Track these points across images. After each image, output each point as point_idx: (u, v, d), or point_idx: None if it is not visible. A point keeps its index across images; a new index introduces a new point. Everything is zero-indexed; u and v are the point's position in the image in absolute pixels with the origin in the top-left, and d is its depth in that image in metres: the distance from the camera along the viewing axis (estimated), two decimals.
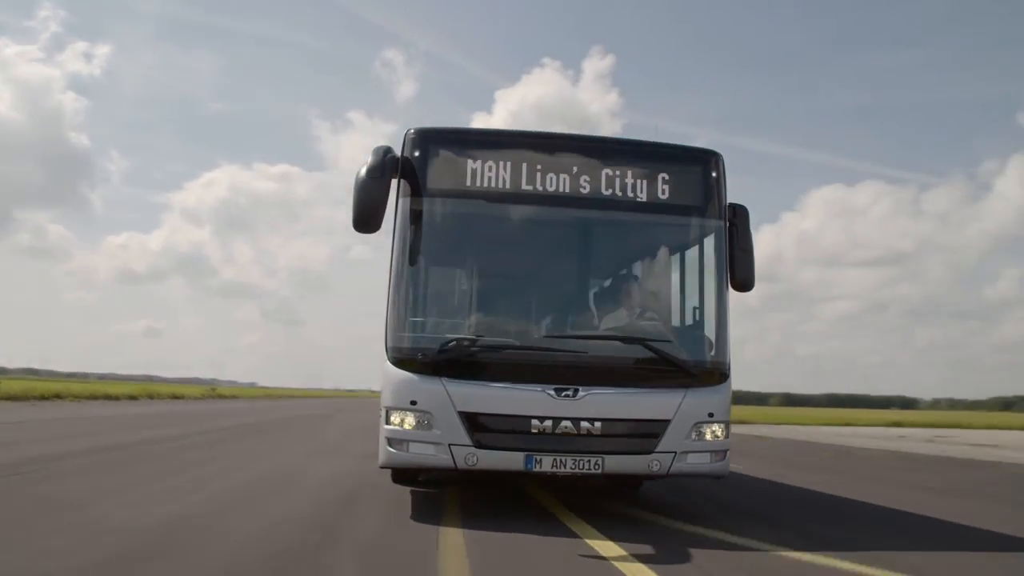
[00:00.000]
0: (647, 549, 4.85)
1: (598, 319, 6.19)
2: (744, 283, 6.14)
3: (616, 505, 6.88)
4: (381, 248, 7.32)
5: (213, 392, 49.64)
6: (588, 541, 5.07)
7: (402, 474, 7.35)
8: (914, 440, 24.27)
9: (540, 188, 5.93)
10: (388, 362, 5.74)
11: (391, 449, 5.66)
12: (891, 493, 8.76)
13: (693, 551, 4.84)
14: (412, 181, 5.95)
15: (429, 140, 6.00)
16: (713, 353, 5.97)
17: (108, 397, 29.98)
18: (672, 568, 4.41)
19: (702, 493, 7.97)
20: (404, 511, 6.11)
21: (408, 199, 5.93)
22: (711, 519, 6.30)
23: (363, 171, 5.66)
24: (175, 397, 37.47)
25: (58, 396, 26.16)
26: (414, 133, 6.05)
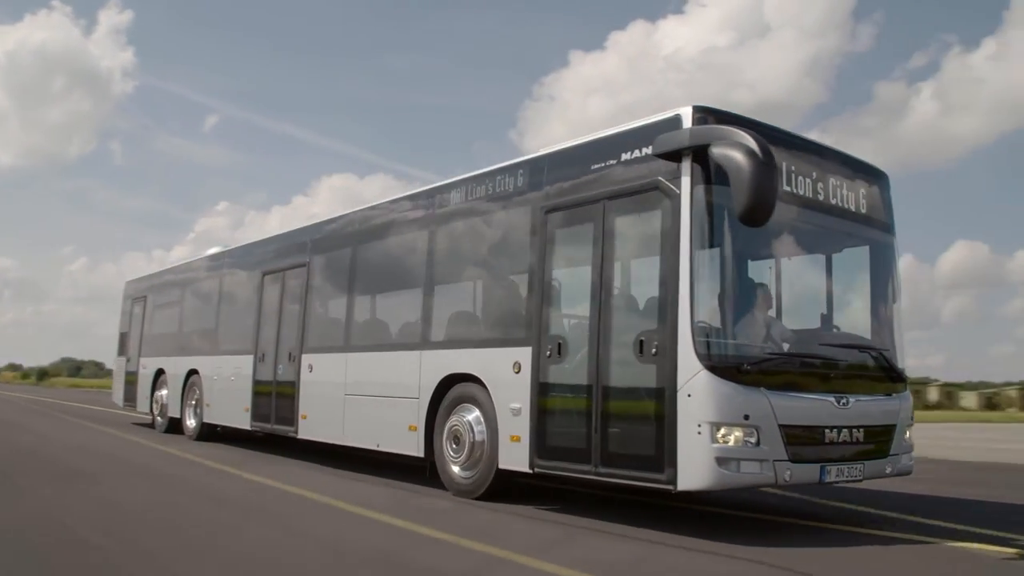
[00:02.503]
0: None
1: (855, 328, 6.25)
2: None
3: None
4: None
5: None
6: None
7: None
8: None
9: (804, 193, 5.80)
10: (705, 371, 5.08)
11: (723, 470, 5.03)
12: None
13: None
14: (706, 167, 5.32)
15: (724, 123, 5.44)
16: (906, 361, 6.44)
17: None
18: None
19: None
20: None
21: (703, 187, 5.30)
22: None
23: (748, 157, 4.91)
24: None
25: None
26: (706, 114, 5.42)
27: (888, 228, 6.48)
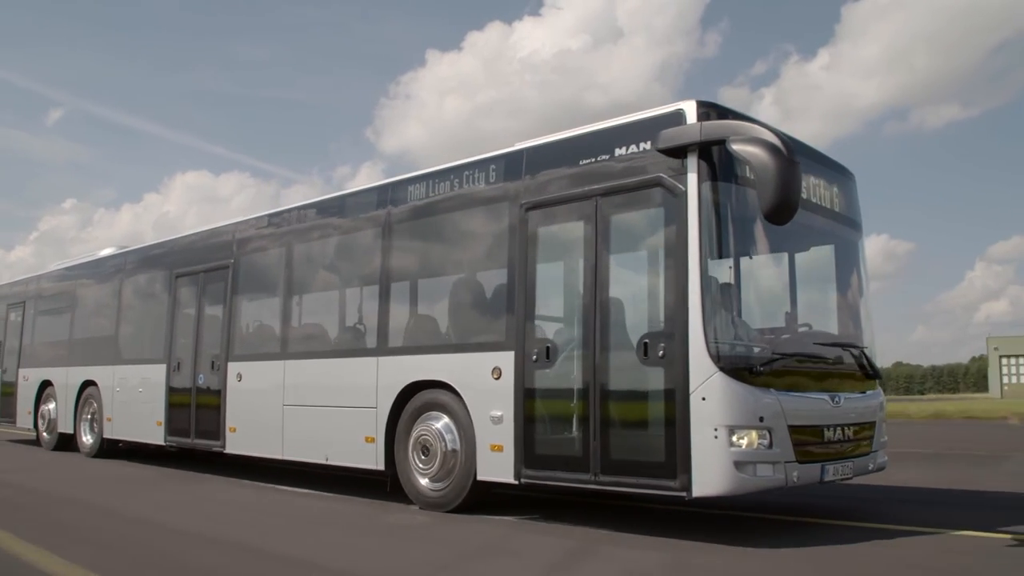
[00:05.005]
0: None
1: (834, 326, 6.23)
2: None
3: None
4: None
5: None
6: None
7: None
8: None
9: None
10: (719, 373, 4.92)
11: (741, 474, 4.89)
12: None
13: None
14: (711, 164, 5.17)
15: (725, 119, 5.31)
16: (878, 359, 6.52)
17: None
18: None
19: None
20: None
21: (710, 184, 5.15)
22: None
23: (773, 153, 4.75)
24: None
25: None
26: (709, 108, 5.27)
27: (858, 226, 6.53)
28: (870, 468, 5.99)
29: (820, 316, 6.33)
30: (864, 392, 6.11)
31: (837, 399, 5.61)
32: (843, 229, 6.32)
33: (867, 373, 6.17)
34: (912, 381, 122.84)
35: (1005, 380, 73.45)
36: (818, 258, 6.39)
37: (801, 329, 6.07)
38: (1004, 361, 73.85)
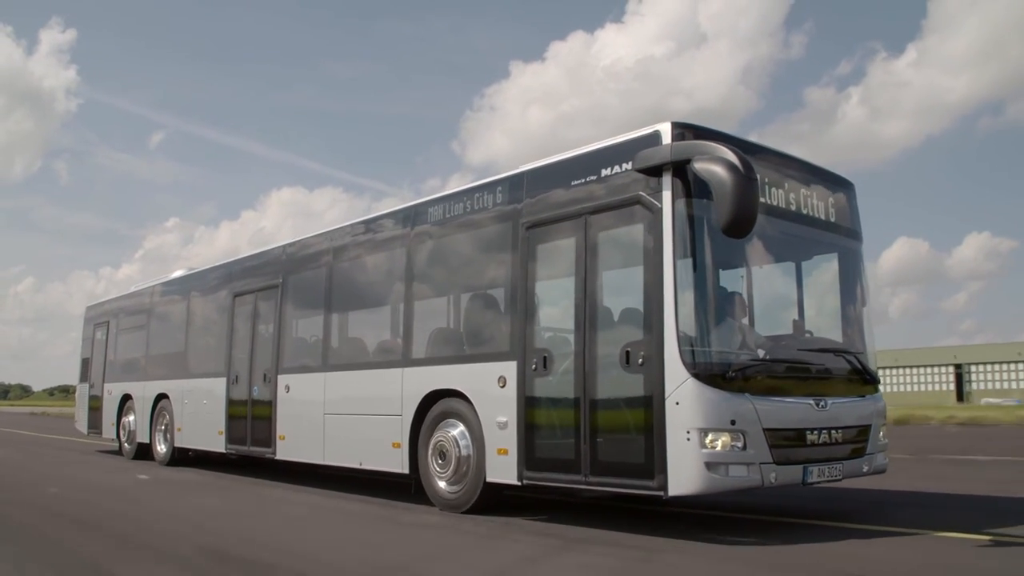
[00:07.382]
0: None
1: (828, 332, 6.44)
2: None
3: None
4: None
5: None
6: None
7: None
8: None
9: (779, 203, 5.99)
10: (692, 379, 5.22)
11: (712, 475, 5.18)
12: None
13: None
14: (686, 181, 5.49)
15: (701, 138, 5.62)
16: (876, 364, 6.67)
17: None
18: None
19: None
20: None
21: (684, 201, 5.47)
22: None
23: (730, 171, 5.07)
24: None
25: None
26: (684, 129, 5.59)
27: (855, 235, 6.71)
28: (864, 470, 6.15)
29: (810, 323, 6.53)
30: (862, 396, 6.28)
31: (823, 403, 5.80)
32: (836, 238, 6.51)
33: (864, 378, 6.34)
34: None
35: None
36: (809, 267, 6.62)
37: (804, 336, 6.30)
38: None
